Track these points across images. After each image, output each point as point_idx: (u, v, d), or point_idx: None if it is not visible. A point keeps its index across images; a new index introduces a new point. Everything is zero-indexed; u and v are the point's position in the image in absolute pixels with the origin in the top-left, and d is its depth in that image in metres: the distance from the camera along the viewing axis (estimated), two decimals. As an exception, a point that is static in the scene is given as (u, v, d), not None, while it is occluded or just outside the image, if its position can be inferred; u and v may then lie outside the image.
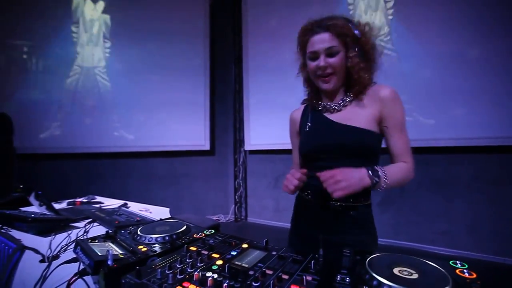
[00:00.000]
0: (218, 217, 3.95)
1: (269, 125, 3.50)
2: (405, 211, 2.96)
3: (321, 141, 0.94)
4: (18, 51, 2.99)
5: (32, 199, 1.48)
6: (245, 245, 0.71)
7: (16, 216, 1.15)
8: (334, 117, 0.95)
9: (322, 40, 0.87)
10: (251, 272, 0.54)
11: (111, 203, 1.65)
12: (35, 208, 1.41)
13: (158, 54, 3.58)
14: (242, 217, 4.03)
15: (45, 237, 1.05)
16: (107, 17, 3.37)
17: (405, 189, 2.94)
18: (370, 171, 0.80)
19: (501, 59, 2.32)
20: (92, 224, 1.18)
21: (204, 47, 3.84)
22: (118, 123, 3.39)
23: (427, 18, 2.59)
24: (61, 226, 1.13)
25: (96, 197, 1.84)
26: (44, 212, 1.29)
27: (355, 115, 0.91)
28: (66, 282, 0.66)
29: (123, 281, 0.55)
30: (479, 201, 2.62)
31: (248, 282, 0.50)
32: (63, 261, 0.76)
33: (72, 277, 0.67)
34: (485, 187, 2.59)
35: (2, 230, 1.11)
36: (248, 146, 3.88)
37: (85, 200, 1.73)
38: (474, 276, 0.54)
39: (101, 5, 3.36)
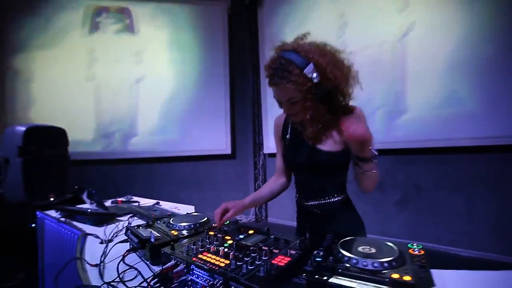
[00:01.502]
0: (240, 217, 4.19)
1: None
2: (423, 211, 2.96)
3: (296, 161, 1.07)
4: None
5: (85, 197, 1.81)
6: (251, 231, 0.91)
7: (77, 210, 1.45)
8: (308, 140, 1.03)
9: (277, 92, 0.94)
10: (252, 248, 0.75)
11: (146, 202, 1.93)
12: (87, 205, 1.73)
13: (181, 63, 3.90)
14: (263, 217, 4.23)
15: (99, 227, 1.33)
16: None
17: (423, 189, 2.96)
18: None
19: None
20: (133, 217, 1.45)
21: (223, 56, 4.12)
22: (145, 129, 3.75)
23: (446, 19, 2.61)
24: (111, 218, 1.41)
25: (133, 197, 2.14)
26: (96, 208, 1.59)
27: (326, 139, 1.01)
28: (121, 256, 0.91)
29: (162, 251, 0.78)
30: (502, 201, 2.56)
31: (248, 252, 0.70)
32: (117, 242, 1.02)
33: (125, 252, 0.91)
34: (508, 187, 2.54)
35: (67, 221, 1.42)
36: (267, 150, 4.08)
37: (124, 200, 2.04)
38: (422, 253, 0.70)
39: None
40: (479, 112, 2.52)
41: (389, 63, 2.95)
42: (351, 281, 0.57)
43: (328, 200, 1.06)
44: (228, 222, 1.03)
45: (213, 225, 1.02)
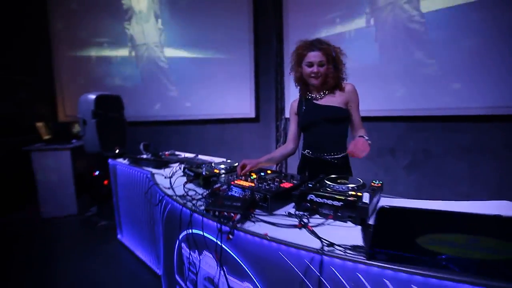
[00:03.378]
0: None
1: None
2: (429, 175, 3.22)
3: (313, 116, 1.45)
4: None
5: (141, 149, 2.34)
6: (269, 171, 1.33)
7: (143, 158, 1.97)
8: (319, 102, 1.46)
9: (316, 56, 1.38)
10: (269, 179, 1.16)
11: (187, 155, 2.43)
12: (144, 156, 2.26)
13: (207, 30, 4.14)
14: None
15: (158, 169, 1.83)
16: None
17: (431, 154, 3.18)
18: (365, 138, 1.26)
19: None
20: (181, 164, 1.94)
21: (248, 23, 4.27)
22: (176, 94, 4.20)
23: None
24: (166, 164, 1.91)
25: (176, 151, 2.66)
26: (153, 157, 2.11)
27: (331, 100, 1.44)
28: (183, 184, 1.38)
29: (212, 179, 1.23)
30: (505, 168, 2.73)
31: (266, 181, 1.12)
32: (177, 177, 1.50)
33: (186, 181, 1.39)
34: (513, 155, 2.68)
35: (135, 165, 1.95)
36: (288, 114, 4.40)
37: (169, 153, 2.56)
38: (379, 185, 1.07)
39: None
40: (490, 81, 2.58)
41: (407, 31, 2.99)
42: (325, 194, 0.96)
43: (332, 156, 1.44)
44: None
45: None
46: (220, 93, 4.36)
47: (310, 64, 1.39)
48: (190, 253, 1.09)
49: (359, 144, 1.20)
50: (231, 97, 4.40)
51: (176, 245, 1.20)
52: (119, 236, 2.43)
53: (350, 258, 0.65)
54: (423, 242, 0.50)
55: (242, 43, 4.32)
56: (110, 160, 2.32)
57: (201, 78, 4.27)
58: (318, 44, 1.38)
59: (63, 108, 3.73)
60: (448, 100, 2.86)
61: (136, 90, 4.01)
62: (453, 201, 1.06)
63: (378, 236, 0.55)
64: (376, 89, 3.30)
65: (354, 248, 0.69)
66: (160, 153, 2.47)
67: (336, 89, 1.45)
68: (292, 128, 1.59)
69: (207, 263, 1.00)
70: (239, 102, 4.45)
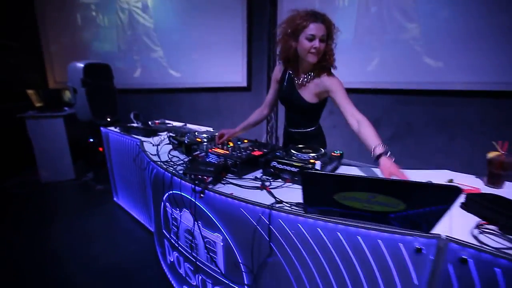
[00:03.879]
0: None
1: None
2: (410, 147, 3.39)
3: (290, 100, 1.47)
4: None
5: (132, 117, 2.43)
6: (245, 141, 1.46)
7: (131, 127, 2.08)
8: (298, 87, 1.41)
9: (319, 29, 1.23)
10: (242, 148, 1.29)
11: (176, 124, 2.54)
12: (134, 124, 2.36)
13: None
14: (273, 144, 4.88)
15: (147, 137, 1.95)
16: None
17: (413, 127, 3.32)
18: (388, 154, 1.00)
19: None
20: (169, 132, 2.05)
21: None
22: (166, 62, 4.15)
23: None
24: (154, 133, 2.03)
25: (166, 120, 2.76)
26: (142, 126, 2.21)
27: (308, 91, 1.39)
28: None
29: (193, 147, 1.36)
30: (479, 141, 2.88)
31: (240, 149, 1.25)
32: (163, 144, 1.63)
33: (171, 149, 1.51)
34: (489, 129, 2.82)
35: (126, 134, 2.07)
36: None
37: (159, 122, 2.66)
38: (339, 155, 1.21)
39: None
40: (472, 58, 2.62)
41: (394, 3, 2.94)
42: (285, 161, 1.10)
43: (304, 130, 1.54)
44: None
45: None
46: (212, 61, 4.32)
47: (312, 38, 1.24)
48: (172, 210, 1.25)
49: (391, 171, 0.91)
50: (223, 65, 4.38)
51: (162, 204, 1.37)
52: (115, 199, 2.63)
53: (292, 212, 0.81)
54: (338, 198, 0.64)
55: (234, 8, 4.17)
56: (102, 128, 2.42)
57: (193, 46, 4.20)
58: (321, 16, 1.25)
59: (52, 75, 3.72)
60: (431, 75, 2.92)
61: (126, 57, 3.96)
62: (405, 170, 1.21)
63: (305, 194, 0.69)
64: (363, 61, 3.32)
65: (298, 204, 0.84)
66: (151, 122, 2.57)
67: (323, 73, 1.33)
68: (270, 94, 1.59)
69: (186, 218, 1.17)
70: (231, 70, 4.43)
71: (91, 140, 3.34)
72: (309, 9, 1.29)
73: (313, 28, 1.23)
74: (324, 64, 1.33)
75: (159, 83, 4.21)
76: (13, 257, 1.86)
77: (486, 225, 0.76)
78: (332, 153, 1.21)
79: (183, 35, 4.13)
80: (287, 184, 1.05)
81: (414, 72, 3.04)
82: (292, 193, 0.97)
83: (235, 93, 4.62)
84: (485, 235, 0.72)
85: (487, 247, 0.64)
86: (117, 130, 2.24)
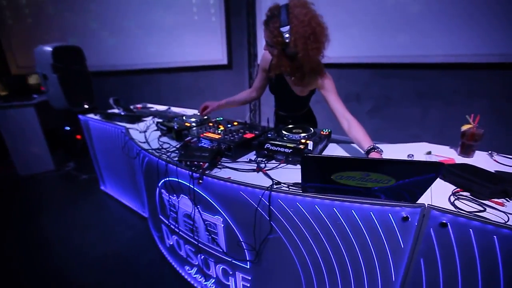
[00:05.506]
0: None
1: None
2: (389, 118, 3.55)
3: (280, 90, 1.44)
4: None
5: (111, 103, 2.33)
6: (235, 123, 1.47)
7: (113, 114, 2.00)
8: (288, 81, 1.35)
9: (264, 34, 1.14)
10: (233, 129, 1.31)
11: (159, 107, 2.47)
12: (115, 110, 2.27)
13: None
14: (257, 122, 4.91)
15: (132, 124, 1.90)
16: None
17: (391, 100, 3.46)
18: (376, 150, 1.02)
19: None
20: (155, 117, 2.01)
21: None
22: (144, 41, 3.91)
23: None
24: (139, 118, 1.97)
25: (148, 104, 2.66)
26: (124, 112, 2.13)
27: (301, 87, 1.33)
28: (157, 138, 1.49)
29: (183, 133, 1.35)
30: (451, 111, 3.09)
31: (231, 133, 1.27)
32: (152, 130, 1.60)
33: (160, 135, 1.50)
34: (461, 100, 3.00)
35: (108, 121, 1.99)
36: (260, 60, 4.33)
37: (141, 106, 2.57)
38: (327, 133, 1.26)
39: None
40: (449, 30, 2.72)
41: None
42: (279, 143, 1.13)
43: (294, 113, 1.55)
44: (220, 118, 1.58)
45: (211, 119, 1.57)
46: (191, 39, 4.11)
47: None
48: (169, 196, 1.27)
49: None
50: (202, 43, 4.19)
51: (157, 191, 1.38)
52: (102, 187, 2.59)
53: (290, 192, 0.86)
54: (335, 177, 0.70)
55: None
56: (80, 116, 2.30)
57: (168, 22, 3.95)
58: (267, 18, 1.10)
59: (13, 58, 3.39)
60: (407, 49, 3.00)
61: (96, 37, 3.66)
62: (383, 144, 1.30)
63: (305, 175, 0.74)
64: (344, 36, 3.32)
65: (295, 184, 0.89)
66: (132, 107, 2.48)
67: (314, 76, 1.23)
68: (258, 80, 1.55)
69: (185, 203, 1.20)
70: (210, 48, 4.27)
71: (68, 128, 3.18)
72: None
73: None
74: (311, 70, 1.19)
75: (137, 64, 3.97)
76: (5, 254, 1.82)
77: (461, 192, 0.86)
78: (321, 132, 1.26)
79: (157, 11, 3.86)
80: (282, 164, 1.09)
81: (391, 46, 3.11)
82: (288, 173, 1.02)
83: (216, 71, 4.50)
84: (460, 201, 0.82)
85: (463, 212, 0.74)
86: (97, 117, 2.15)
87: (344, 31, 3.31)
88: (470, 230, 0.71)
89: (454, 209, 0.75)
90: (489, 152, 1.15)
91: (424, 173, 0.64)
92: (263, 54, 1.42)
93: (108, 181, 2.46)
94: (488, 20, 2.52)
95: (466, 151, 1.13)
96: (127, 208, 2.29)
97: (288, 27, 1.04)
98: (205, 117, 1.60)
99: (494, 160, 1.09)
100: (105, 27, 3.67)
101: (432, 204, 0.76)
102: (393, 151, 1.21)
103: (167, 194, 1.28)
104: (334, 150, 1.27)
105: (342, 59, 3.44)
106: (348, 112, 1.19)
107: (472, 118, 1.13)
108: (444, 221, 0.74)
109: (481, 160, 1.11)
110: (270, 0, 1.21)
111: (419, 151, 1.19)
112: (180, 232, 1.32)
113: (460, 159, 1.12)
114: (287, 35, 1.05)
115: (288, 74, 1.27)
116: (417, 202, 0.75)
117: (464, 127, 1.12)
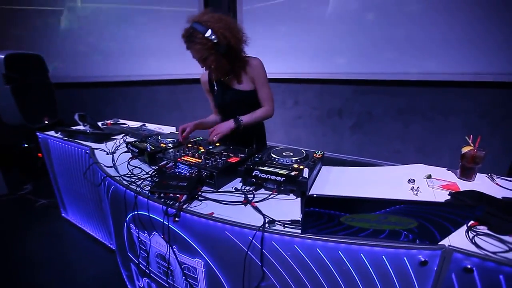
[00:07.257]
0: (218, 138, 4.66)
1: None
2: (371, 134, 3.57)
3: (226, 100, 1.43)
4: None
5: (76, 119, 2.08)
6: (218, 144, 1.31)
7: (79, 131, 1.76)
8: (228, 84, 1.41)
9: (194, 54, 1.28)
10: (215, 151, 1.15)
11: (132, 123, 2.25)
12: (81, 127, 2.02)
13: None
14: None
15: (99, 144, 1.67)
16: None
17: (373, 116, 3.49)
18: (234, 120, 1.31)
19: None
20: (126, 136, 1.80)
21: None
22: (117, 52, 3.69)
23: None
24: (107, 137, 1.75)
25: (119, 120, 2.43)
26: (91, 129, 1.90)
27: (238, 82, 1.39)
28: (127, 161, 1.29)
29: (157, 156, 1.17)
30: (429, 126, 3.16)
31: (214, 156, 1.11)
32: (120, 152, 1.40)
33: (130, 158, 1.30)
34: (437, 116, 3.09)
35: (70, 140, 1.75)
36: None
37: (113, 122, 2.33)
38: (320, 156, 1.14)
39: None
40: (428, 50, 2.82)
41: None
42: (269, 169, 1.00)
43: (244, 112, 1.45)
44: (200, 138, 1.42)
45: (191, 140, 1.40)
46: (168, 51, 3.95)
47: (198, 61, 1.31)
48: (139, 232, 1.07)
49: (218, 128, 1.27)
50: (179, 54, 4.03)
51: (125, 225, 1.17)
52: (63, 214, 2.27)
53: (287, 233, 0.72)
54: (345, 219, 0.57)
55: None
56: (39, 134, 2.02)
57: (145, 33, 3.78)
58: (189, 39, 1.22)
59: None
60: (387, 66, 3.06)
61: (61, 45, 3.37)
62: (378, 167, 1.20)
63: (307, 217, 0.60)
64: (326, 52, 3.34)
65: (292, 222, 0.75)
66: (101, 123, 2.24)
67: (240, 68, 1.36)
68: (212, 104, 1.59)
69: (158, 242, 1.00)
70: (189, 59, 4.11)
71: (26, 145, 2.82)
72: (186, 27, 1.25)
73: (192, 54, 1.28)
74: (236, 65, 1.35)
75: (109, 75, 3.71)
76: None
77: (477, 226, 0.76)
78: (314, 155, 1.15)
79: (129, 19, 3.68)
80: (272, 194, 0.95)
81: (372, 63, 3.16)
82: (280, 206, 0.88)
83: (194, 85, 4.34)
84: (479, 237, 0.72)
85: (492, 255, 0.63)
86: (58, 135, 1.89)
87: (327, 48, 3.34)
88: (500, 276, 0.61)
89: (479, 251, 0.65)
90: (489, 174, 1.09)
91: (454, 215, 0.53)
92: (200, 80, 1.57)
93: (70, 208, 2.16)
94: (460, 41, 2.64)
95: (467, 174, 1.06)
96: (92, 238, 2.01)
97: (209, 30, 1.19)
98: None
99: (496, 184, 1.03)
100: (74, 34, 3.40)
101: (451, 243, 0.65)
102: (390, 175, 1.12)
103: (137, 230, 1.08)
104: (327, 174, 1.15)
105: (324, 75, 3.44)
106: (271, 100, 1.40)
107: (471, 139, 1.07)
108: (469, 266, 0.63)
109: (483, 184, 1.04)
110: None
111: (417, 175, 1.10)
112: (151, 275, 1.11)
113: (460, 183, 1.04)
114: (213, 36, 1.20)
115: (230, 73, 1.39)
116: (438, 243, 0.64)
117: (464, 149, 1.06)
